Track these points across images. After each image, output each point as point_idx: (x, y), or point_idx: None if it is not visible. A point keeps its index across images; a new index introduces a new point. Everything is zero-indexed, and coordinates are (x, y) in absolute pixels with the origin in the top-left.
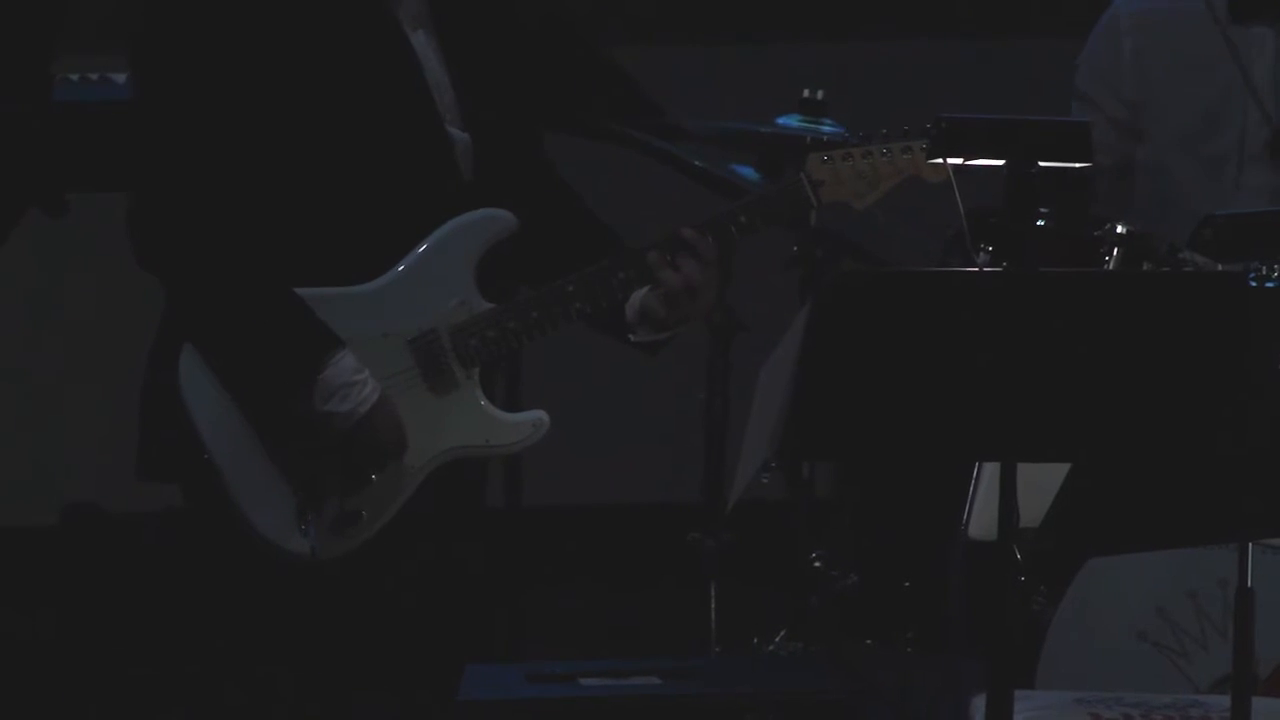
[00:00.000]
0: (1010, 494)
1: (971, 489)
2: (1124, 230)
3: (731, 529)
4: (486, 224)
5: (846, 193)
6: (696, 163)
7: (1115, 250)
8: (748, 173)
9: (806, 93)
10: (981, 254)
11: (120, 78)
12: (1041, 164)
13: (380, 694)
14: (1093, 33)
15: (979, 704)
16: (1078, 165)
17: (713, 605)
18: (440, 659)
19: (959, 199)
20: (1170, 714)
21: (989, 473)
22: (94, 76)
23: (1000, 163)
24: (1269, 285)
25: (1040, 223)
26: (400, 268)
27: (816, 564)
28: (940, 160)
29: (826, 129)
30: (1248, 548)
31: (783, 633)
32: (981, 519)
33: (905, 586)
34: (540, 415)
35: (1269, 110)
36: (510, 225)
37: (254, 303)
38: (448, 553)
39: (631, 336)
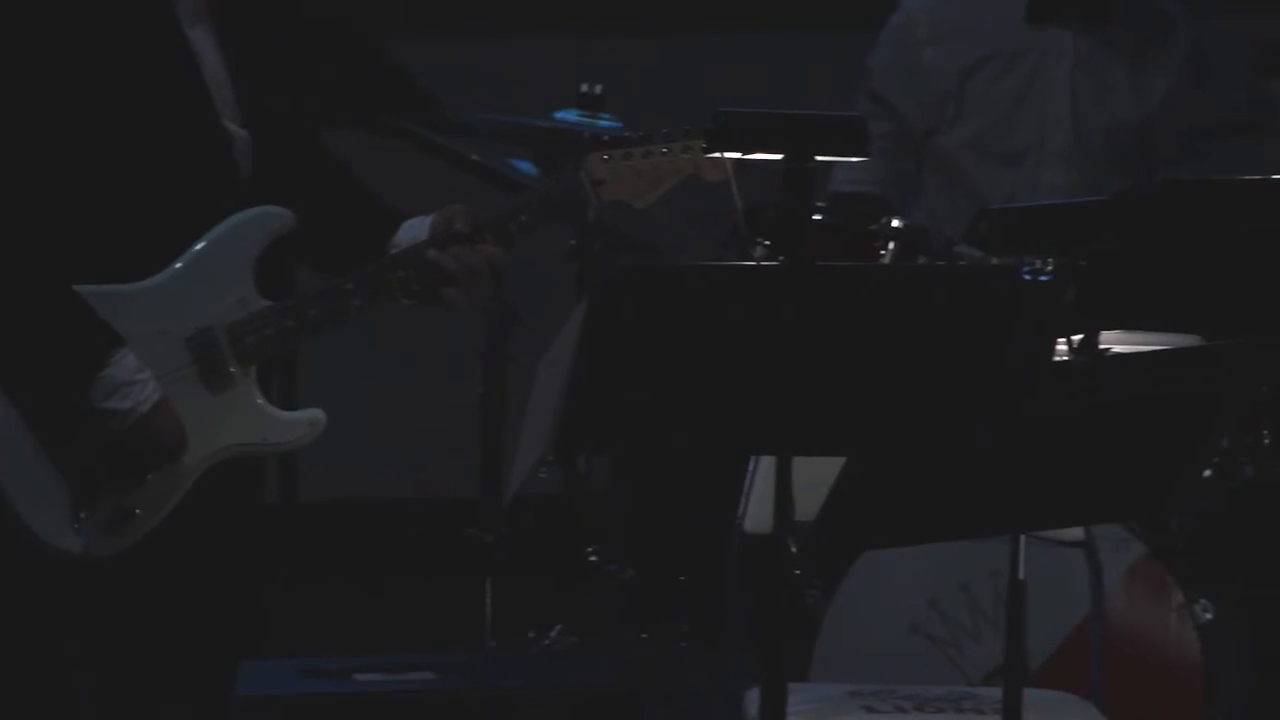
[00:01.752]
0: (785, 488)
1: (747, 483)
2: (900, 224)
3: (508, 524)
4: (264, 221)
5: (627, 192)
6: (475, 157)
7: (891, 244)
8: (526, 167)
9: (584, 87)
10: (758, 248)
11: None
12: (817, 158)
13: (156, 690)
14: (885, 35)
15: (753, 697)
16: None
17: (488, 600)
18: (216, 655)
19: (736, 194)
20: (943, 706)
21: (765, 466)
22: None
23: (778, 157)
24: (1042, 279)
25: (817, 217)
26: (178, 265)
27: (593, 558)
28: (719, 156)
29: (604, 123)
30: (1020, 540)
31: (559, 627)
32: (757, 513)
33: (681, 581)
34: (317, 414)
35: (1067, 110)
36: (288, 223)
37: (34, 298)
38: (224, 549)
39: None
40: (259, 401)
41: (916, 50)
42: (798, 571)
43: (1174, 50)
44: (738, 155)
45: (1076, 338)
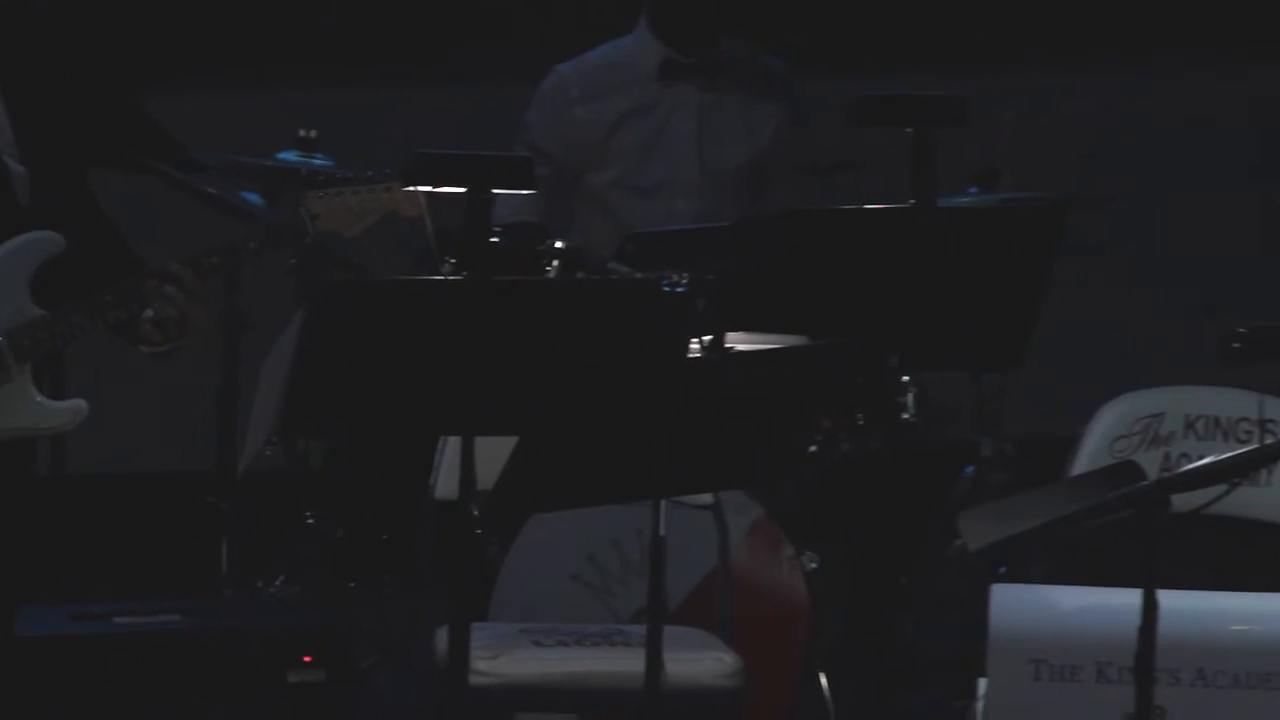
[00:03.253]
0: (469, 462)
1: (438, 457)
2: (561, 245)
3: (241, 493)
4: (38, 245)
5: (338, 224)
6: (211, 191)
7: (554, 262)
8: (254, 198)
9: (302, 132)
10: (446, 265)
11: None
12: (494, 190)
13: None
14: (540, 96)
15: (442, 634)
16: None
17: (224, 555)
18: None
19: (428, 221)
20: (598, 640)
21: (452, 445)
22: None
23: (461, 190)
24: (679, 290)
25: (494, 239)
26: None
27: (310, 521)
28: (414, 190)
29: (318, 163)
30: (660, 503)
31: (282, 578)
32: (447, 482)
33: (383, 539)
34: (80, 403)
35: (693, 151)
36: (58, 246)
37: None
38: (3, 515)
39: (142, 348)
40: (33, 393)
41: (569, 109)
42: (479, 531)
43: (779, 101)
44: (429, 188)
45: (707, 338)
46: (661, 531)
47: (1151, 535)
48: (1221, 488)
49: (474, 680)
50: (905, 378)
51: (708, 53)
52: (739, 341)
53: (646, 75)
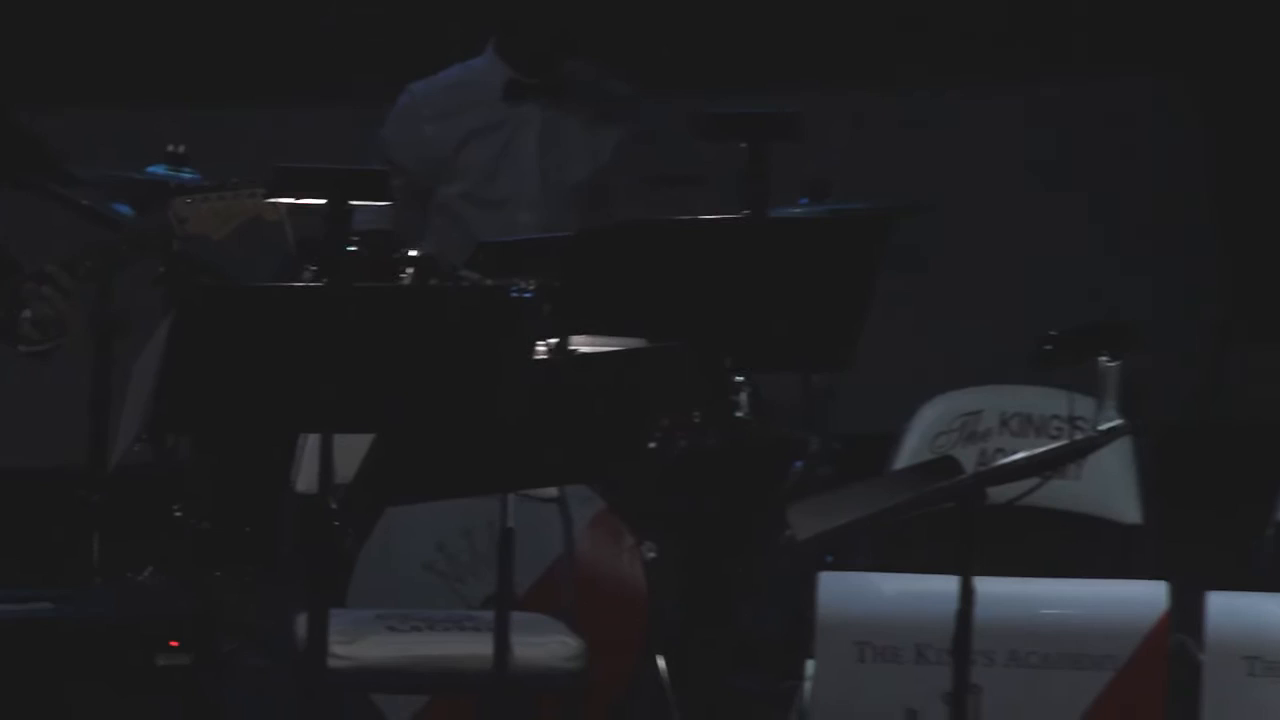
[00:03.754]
0: (328, 458)
1: (299, 452)
2: (415, 254)
3: (111, 487)
4: None
5: (206, 228)
6: (85, 202)
7: (409, 269)
8: (125, 209)
9: (171, 147)
10: (307, 272)
11: None
12: (352, 202)
13: None
14: (395, 113)
15: (302, 620)
16: (380, 203)
17: (95, 546)
18: None
19: (289, 230)
20: (449, 626)
21: (312, 441)
22: None
23: (321, 201)
24: (526, 296)
25: (352, 248)
26: None
27: (178, 514)
28: (277, 200)
29: (186, 176)
30: (508, 497)
31: (150, 568)
32: (307, 476)
33: (247, 530)
34: None
35: (535, 167)
36: None
37: None
38: None
39: (20, 347)
40: None
41: (420, 126)
42: (337, 522)
43: (622, 121)
44: (291, 200)
45: (552, 341)
46: (510, 523)
47: (968, 526)
48: (1034, 481)
49: (332, 663)
50: (739, 378)
51: (550, 74)
52: (582, 344)
53: (493, 95)
